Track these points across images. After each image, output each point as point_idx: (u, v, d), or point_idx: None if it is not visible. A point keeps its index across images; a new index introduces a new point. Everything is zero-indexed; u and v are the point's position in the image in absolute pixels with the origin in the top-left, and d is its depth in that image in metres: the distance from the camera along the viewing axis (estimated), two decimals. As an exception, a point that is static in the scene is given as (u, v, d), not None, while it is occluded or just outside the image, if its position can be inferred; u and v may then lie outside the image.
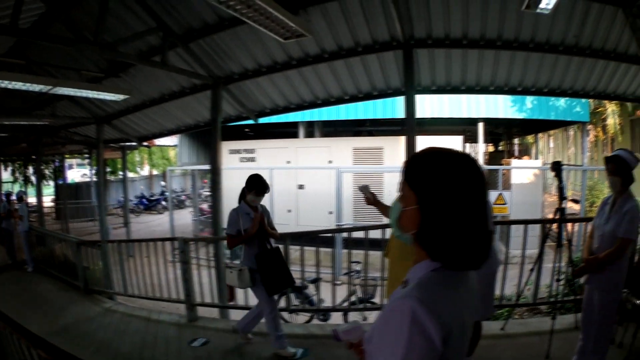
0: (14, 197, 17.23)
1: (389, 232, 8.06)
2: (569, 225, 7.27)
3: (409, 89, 9.08)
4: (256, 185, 7.06)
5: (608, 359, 5.38)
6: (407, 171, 1.96)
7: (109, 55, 8.67)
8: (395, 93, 10.84)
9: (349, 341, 2.31)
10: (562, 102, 20.64)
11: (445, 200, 1.83)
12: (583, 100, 19.77)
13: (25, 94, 11.66)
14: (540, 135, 39.22)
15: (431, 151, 1.96)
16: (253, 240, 7.03)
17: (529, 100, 20.30)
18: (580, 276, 5.77)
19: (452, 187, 1.84)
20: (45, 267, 15.09)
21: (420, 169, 1.92)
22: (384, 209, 6.32)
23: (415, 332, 1.68)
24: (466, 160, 1.91)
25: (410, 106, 9.13)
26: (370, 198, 6.27)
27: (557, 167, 6.24)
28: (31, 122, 14.75)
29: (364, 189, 6.34)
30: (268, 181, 14.87)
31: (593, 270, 5.14)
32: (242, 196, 7.19)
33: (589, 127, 26.16)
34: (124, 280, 11.87)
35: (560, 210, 6.40)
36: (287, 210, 18.31)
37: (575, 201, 9.04)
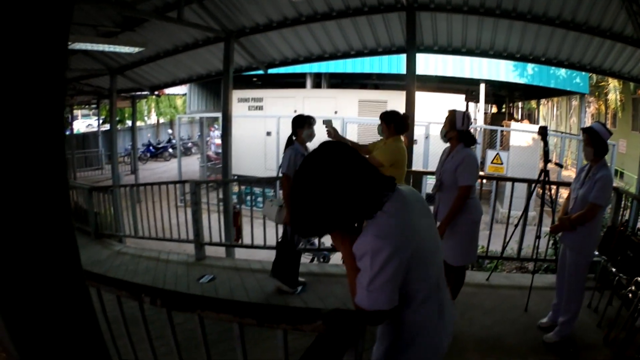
0: None
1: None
2: (554, 188, 7.71)
3: (411, 48, 9.44)
4: (305, 118, 7.19)
5: (582, 322, 5.83)
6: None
7: (128, 12, 9.04)
8: (398, 50, 11.18)
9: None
10: (562, 71, 20.78)
11: (324, 186, 2.25)
12: (583, 72, 20.01)
13: None
14: (543, 101, 39.21)
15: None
16: None
17: (530, 67, 20.48)
18: (555, 233, 6.22)
19: (325, 177, 2.25)
20: None
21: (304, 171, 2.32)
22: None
23: (377, 256, 2.24)
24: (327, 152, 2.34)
25: (411, 63, 9.51)
26: (332, 133, 6.72)
27: (543, 132, 6.52)
28: None
29: (327, 123, 6.76)
30: (274, 129, 15.23)
31: (565, 229, 5.51)
32: (290, 141, 7.27)
33: (591, 99, 26.35)
34: (135, 224, 12.23)
35: (545, 172, 6.64)
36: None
37: (559, 165, 9.42)
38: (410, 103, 9.49)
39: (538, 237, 6.73)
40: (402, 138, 6.61)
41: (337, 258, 10.51)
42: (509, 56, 10.84)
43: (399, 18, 9.78)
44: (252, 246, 9.47)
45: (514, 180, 8.89)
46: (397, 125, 6.50)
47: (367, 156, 6.48)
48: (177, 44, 12.16)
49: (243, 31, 10.92)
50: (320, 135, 6.40)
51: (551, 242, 8.06)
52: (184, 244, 10.41)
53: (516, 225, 7.67)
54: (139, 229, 11.98)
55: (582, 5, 8.13)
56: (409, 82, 9.63)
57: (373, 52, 11.55)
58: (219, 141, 28.11)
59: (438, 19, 9.72)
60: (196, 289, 8.17)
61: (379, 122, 6.61)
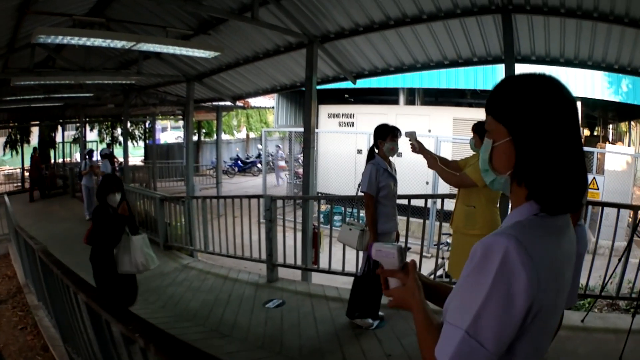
0: (95, 157, 17.77)
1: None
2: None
3: (509, 57, 8.54)
4: (389, 129, 6.64)
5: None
6: (491, 103, 1.74)
7: (192, 7, 8.63)
8: (495, 60, 10.36)
9: (380, 265, 2.04)
10: None
11: (541, 124, 1.60)
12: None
13: (107, 52, 11.78)
14: (634, 123, 37.50)
15: (512, 77, 1.75)
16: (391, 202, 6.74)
17: (625, 83, 18.91)
18: None
19: (546, 109, 1.61)
20: None
21: (506, 96, 1.70)
22: (432, 160, 6.05)
23: (502, 278, 1.44)
24: (553, 81, 1.67)
25: (509, 74, 8.54)
26: (416, 146, 6.11)
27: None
28: (115, 80, 14.91)
29: (410, 135, 6.12)
30: (365, 148, 14.55)
31: None
32: (372, 154, 6.76)
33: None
34: (205, 238, 11.87)
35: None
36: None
37: None
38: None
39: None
40: None
41: None
42: (607, 67, 9.82)
43: (494, 22, 9.01)
44: (328, 271, 8.77)
45: (619, 206, 7.81)
46: None
47: (458, 174, 5.91)
48: (256, 50, 11.77)
49: (327, 36, 10.35)
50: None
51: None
52: (260, 263, 9.80)
53: (619, 260, 6.68)
54: (211, 243, 11.67)
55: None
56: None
57: (468, 62, 10.70)
58: (282, 163, 27.91)
59: (535, 24, 8.86)
60: (261, 314, 7.64)
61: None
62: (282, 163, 29.05)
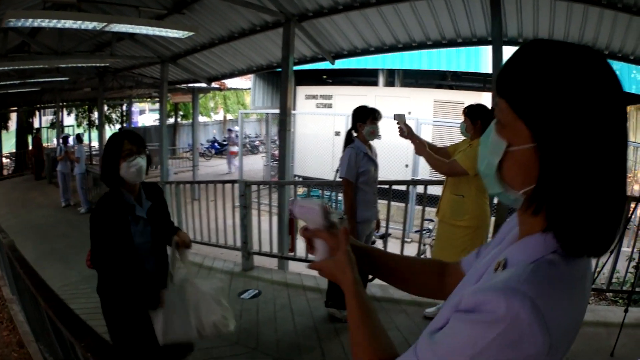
0: (70, 141, 17.39)
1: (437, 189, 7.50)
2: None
3: (497, 39, 8.18)
4: (369, 112, 6.21)
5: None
6: (509, 83, 1.18)
7: None
8: (480, 42, 10.10)
9: (304, 224, 1.74)
10: None
11: (590, 132, 1.07)
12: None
13: (80, 35, 11.52)
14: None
15: (545, 46, 1.17)
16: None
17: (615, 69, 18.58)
18: None
19: (601, 109, 1.08)
20: None
21: (536, 80, 1.12)
22: (420, 146, 5.72)
23: (503, 349, 1.04)
24: (606, 64, 1.14)
25: (497, 58, 8.20)
26: (405, 130, 5.76)
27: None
28: (90, 63, 14.64)
29: (399, 118, 5.78)
30: (343, 129, 14.19)
31: None
32: (350, 137, 6.37)
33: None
34: (179, 224, 11.40)
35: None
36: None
37: None
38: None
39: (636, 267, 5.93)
40: None
41: None
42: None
43: (481, 1, 8.68)
44: (306, 260, 8.41)
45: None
46: (486, 122, 5.49)
47: (448, 161, 5.58)
48: (232, 30, 11.42)
49: (305, 15, 9.98)
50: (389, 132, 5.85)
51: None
52: (235, 251, 9.53)
53: (611, 252, 6.33)
54: (185, 229, 11.02)
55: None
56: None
57: (452, 43, 10.39)
58: (234, 149, 27.27)
59: (524, 4, 8.56)
60: (236, 306, 7.24)
61: (456, 123, 5.54)
62: (234, 148, 27.44)
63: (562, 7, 8.21)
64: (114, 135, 4.05)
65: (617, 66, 17.74)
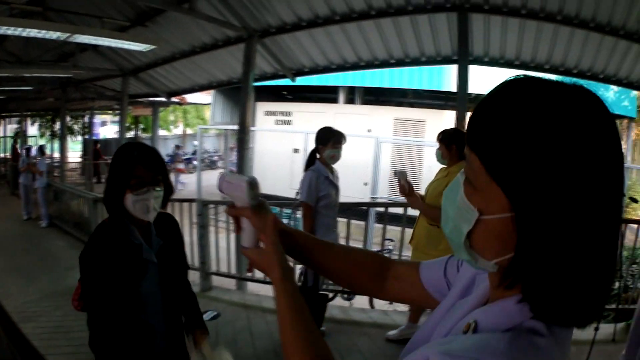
0: (33, 152, 17.20)
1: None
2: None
3: (463, 58, 8.28)
4: (331, 135, 5.93)
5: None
6: (484, 139, 0.96)
7: None
8: (445, 61, 10.03)
9: (231, 200, 1.58)
10: (610, 93, 18.90)
11: (581, 200, 0.87)
12: (632, 94, 18.56)
13: (45, 44, 11.37)
14: None
15: (528, 88, 0.94)
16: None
17: None
18: None
19: (592, 170, 0.87)
20: (60, 223, 14.96)
21: (517, 133, 0.89)
22: (417, 204, 5.49)
23: None
24: (603, 108, 0.92)
25: (463, 77, 8.31)
26: (406, 187, 5.37)
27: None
28: (53, 73, 14.45)
29: (400, 175, 5.43)
30: (302, 146, 13.82)
31: None
32: (312, 159, 6.13)
33: (633, 124, 24.98)
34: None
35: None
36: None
37: (634, 200, 7.82)
38: (461, 125, 8.03)
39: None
40: None
41: (362, 298, 9.04)
42: (566, 72, 9.52)
43: (447, 20, 8.64)
44: (264, 281, 8.24)
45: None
46: (462, 146, 5.18)
47: (436, 208, 5.17)
48: (194, 44, 11.28)
49: (268, 31, 9.89)
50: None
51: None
52: (193, 270, 9.15)
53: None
54: None
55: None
56: (460, 100, 8.40)
57: (416, 62, 10.33)
58: (181, 166, 26.93)
59: (492, 24, 8.52)
60: None
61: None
62: (180, 166, 27.39)
63: (532, 27, 8.22)
64: (124, 152, 2.82)
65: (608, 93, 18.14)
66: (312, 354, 1.27)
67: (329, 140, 5.92)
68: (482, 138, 0.96)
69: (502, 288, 1.01)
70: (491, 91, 0.99)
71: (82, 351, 6.21)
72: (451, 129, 5.66)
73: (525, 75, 0.98)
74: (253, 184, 1.52)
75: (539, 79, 0.95)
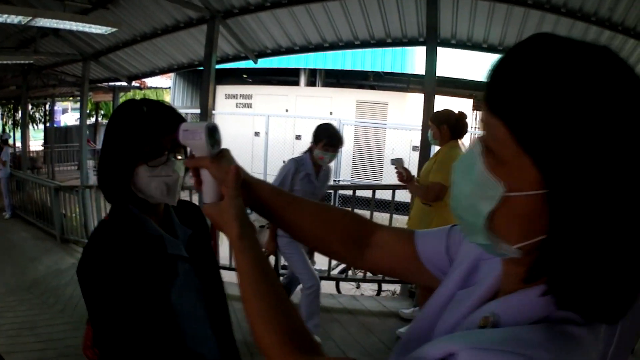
0: None
1: (402, 194, 7.24)
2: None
3: (431, 39, 8.11)
4: (327, 134, 5.36)
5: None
6: (514, 102, 0.80)
7: None
8: (411, 42, 9.88)
9: (190, 150, 1.46)
10: None
11: (631, 171, 0.74)
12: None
13: (6, 29, 11.05)
14: None
15: (560, 45, 0.81)
16: None
17: None
18: None
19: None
20: (23, 214, 14.68)
21: (558, 93, 0.75)
22: (415, 190, 5.43)
23: None
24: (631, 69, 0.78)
25: (431, 59, 8.12)
26: (404, 174, 5.31)
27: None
28: (14, 60, 14.10)
29: (397, 163, 5.35)
30: (263, 129, 13.60)
31: None
32: (309, 150, 5.59)
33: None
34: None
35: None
36: (282, 161, 17.05)
37: None
38: (429, 108, 7.71)
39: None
40: (460, 144, 5.46)
41: (328, 286, 8.46)
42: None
43: (415, 2, 8.47)
44: (229, 267, 7.70)
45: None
46: (452, 127, 5.38)
47: (430, 186, 5.22)
48: (155, 26, 10.98)
49: (231, 11, 9.64)
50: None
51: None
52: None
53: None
54: None
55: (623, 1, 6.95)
56: (429, 83, 8.15)
57: (381, 43, 10.20)
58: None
59: (461, 6, 8.35)
60: None
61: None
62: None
63: (501, 10, 8.12)
64: (128, 110, 1.94)
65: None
66: (282, 326, 1.10)
67: (320, 140, 5.39)
68: (509, 101, 0.81)
69: (516, 276, 0.90)
70: (515, 48, 0.86)
71: (50, 347, 6.07)
72: (442, 110, 5.60)
73: (551, 33, 0.85)
74: (212, 130, 1.36)
75: (565, 37, 0.83)
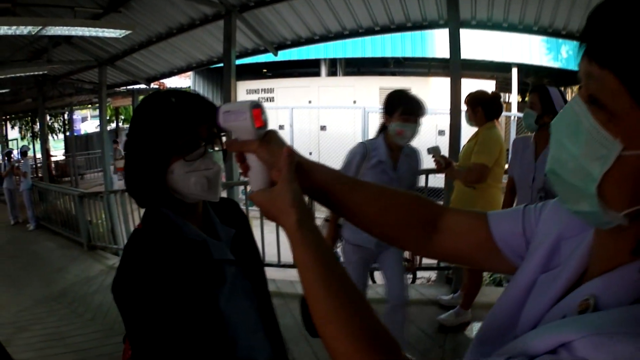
0: (15, 155, 16.99)
1: (435, 179, 7.11)
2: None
3: (453, 21, 7.88)
4: (403, 100, 4.14)
5: None
6: (627, 52, 0.72)
7: None
8: (432, 25, 9.71)
9: (232, 136, 1.26)
10: None
11: None
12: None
13: (16, 42, 11.08)
14: (570, 89, 38.54)
15: None
16: None
17: (565, 49, 18.73)
18: None
19: None
20: (47, 225, 14.81)
21: None
22: (454, 175, 5.15)
23: None
24: None
25: (455, 41, 7.89)
26: (442, 162, 4.83)
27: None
28: (27, 72, 14.03)
29: (434, 152, 4.79)
30: (287, 122, 13.40)
31: None
32: (382, 128, 4.35)
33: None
34: (128, 234, 10.89)
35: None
36: (308, 153, 17.29)
37: None
38: (455, 91, 7.52)
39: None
40: (497, 124, 5.36)
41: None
42: (554, 33, 9.25)
43: (433, -19, 8.30)
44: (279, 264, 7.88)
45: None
46: (487, 108, 5.28)
47: (472, 168, 5.04)
48: (170, 26, 10.88)
49: (247, 5, 9.52)
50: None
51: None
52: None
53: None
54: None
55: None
56: (454, 66, 7.85)
57: (401, 28, 10.01)
58: (121, 164, 24.80)
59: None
60: None
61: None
62: (120, 164, 21.28)
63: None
64: (157, 102, 1.77)
65: (569, 45, 17.93)
66: (357, 329, 0.95)
67: (395, 110, 4.13)
68: (620, 50, 0.72)
69: (614, 249, 0.84)
70: None
71: (81, 357, 5.99)
72: (476, 91, 5.49)
73: None
74: (257, 109, 1.21)
75: None
